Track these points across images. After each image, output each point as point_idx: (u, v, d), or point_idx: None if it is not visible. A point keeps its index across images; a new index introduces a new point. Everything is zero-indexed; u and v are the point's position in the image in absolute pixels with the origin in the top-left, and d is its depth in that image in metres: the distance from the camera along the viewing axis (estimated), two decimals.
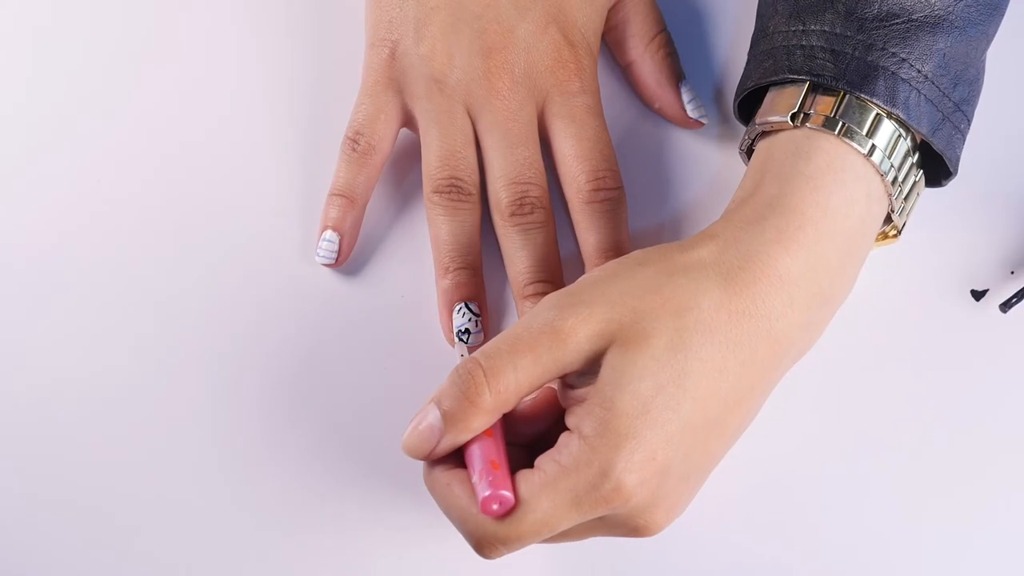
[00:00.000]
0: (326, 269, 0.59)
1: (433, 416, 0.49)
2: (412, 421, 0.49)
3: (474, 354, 0.49)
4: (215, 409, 0.58)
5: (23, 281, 0.60)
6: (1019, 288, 0.58)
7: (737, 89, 0.56)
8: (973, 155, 0.57)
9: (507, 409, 0.49)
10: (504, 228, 0.58)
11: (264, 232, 0.60)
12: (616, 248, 0.57)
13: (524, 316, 0.50)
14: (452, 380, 0.49)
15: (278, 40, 0.63)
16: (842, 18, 0.52)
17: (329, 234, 0.58)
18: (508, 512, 0.47)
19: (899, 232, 0.55)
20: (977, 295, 0.59)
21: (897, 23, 0.51)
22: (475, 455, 0.49)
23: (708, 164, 0.61)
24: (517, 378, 0.48)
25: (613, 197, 0.58)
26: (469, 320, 0.57)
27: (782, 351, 0.50)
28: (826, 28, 0.52)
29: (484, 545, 0.48)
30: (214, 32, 0.63)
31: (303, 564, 0.56)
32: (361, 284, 0.60)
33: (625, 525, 0.49)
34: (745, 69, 0.56)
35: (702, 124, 0.61)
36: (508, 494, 0.47)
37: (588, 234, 0.58)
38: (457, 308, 0.57)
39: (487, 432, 0.49)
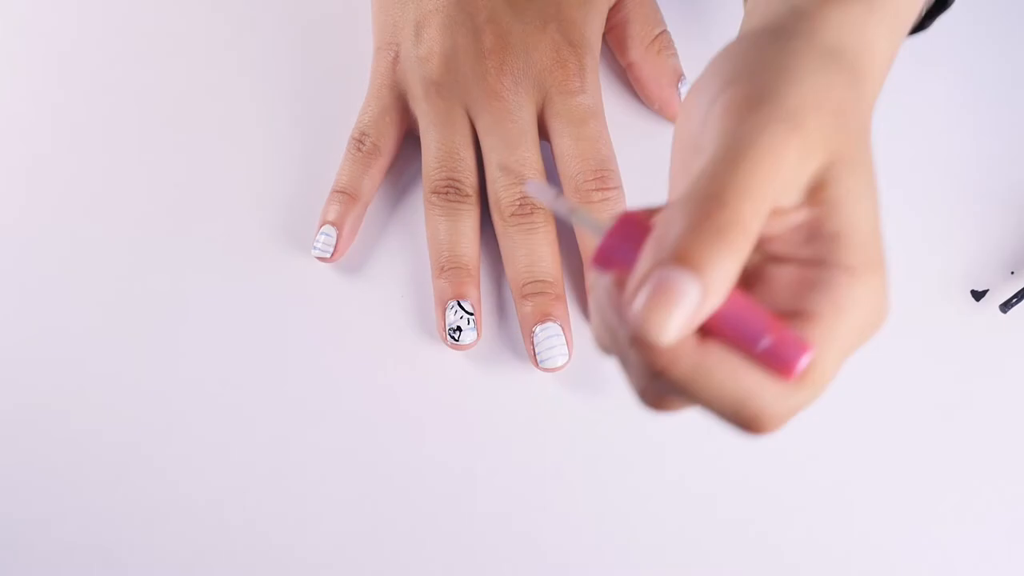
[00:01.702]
0: (326, 268, 0.59)
1: (675, 273, 0.35)
2: (633, 299, 0.36)
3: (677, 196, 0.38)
4: (213, 408, 0.58)
5: (23, 281, 0.60)
6: (1019, 288, 0.57)
7: None
8: (973, 155, 0.57)
9: (755, 238, 0.36)
10: (504, 228, 0.58)
11: (264, 232, 0.60)
12: None
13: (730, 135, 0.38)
14: (680, 211, 0.36)
15: (280, 41, 0.63)
16: None
17: (327, 228, 0.58)
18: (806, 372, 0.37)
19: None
20: (977, 295, 0.58)
21: None
22: (746, 317, 0.37)
23: None
24: (758, 191, 0.36)
25: (612, 197, 0.58)
26: (461, 318, 0.57)
27: None
28: None
29: (774, 422, 0.38)
30: (214, 32, 0.63)
31: (303, 564, 0.57)
32: (360, 283, 0.60)
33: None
34: None
35: None
36: (809, 347, 0.37)
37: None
38: (449, 306, 0.57)
39: (737, 292, 0.37)
